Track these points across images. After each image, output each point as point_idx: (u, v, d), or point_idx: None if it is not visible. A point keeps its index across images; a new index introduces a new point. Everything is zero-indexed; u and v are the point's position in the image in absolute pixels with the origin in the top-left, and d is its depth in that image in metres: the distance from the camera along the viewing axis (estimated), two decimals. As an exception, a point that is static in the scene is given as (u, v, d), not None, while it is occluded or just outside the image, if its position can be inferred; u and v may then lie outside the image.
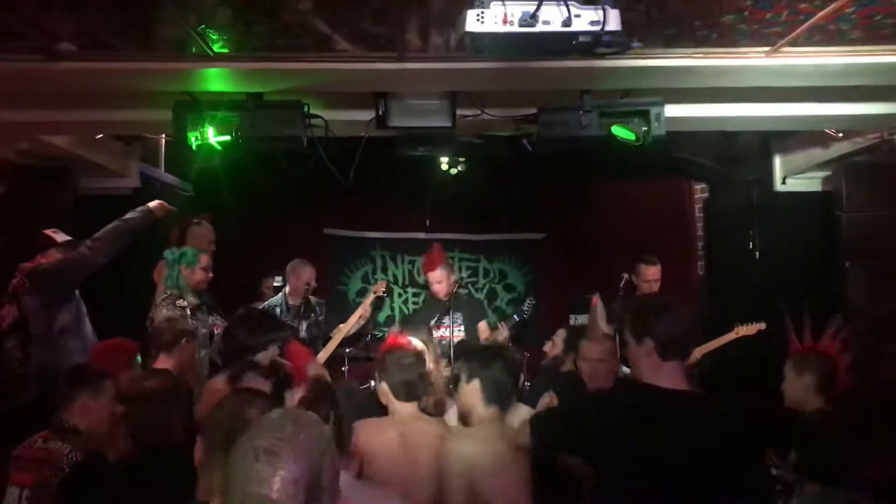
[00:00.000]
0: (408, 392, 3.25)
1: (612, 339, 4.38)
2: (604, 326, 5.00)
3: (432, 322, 6.39)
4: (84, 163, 5.28)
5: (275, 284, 6.59)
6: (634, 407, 2.57)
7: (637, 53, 3.30)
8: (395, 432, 3.14)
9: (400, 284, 8.42)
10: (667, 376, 2.61)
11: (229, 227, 6.87)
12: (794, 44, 3.30)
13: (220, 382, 3.35)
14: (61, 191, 5.15)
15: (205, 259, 5.18)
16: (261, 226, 7.83)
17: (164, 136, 6.13)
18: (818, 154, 5.67)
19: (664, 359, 2.61)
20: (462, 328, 6.13)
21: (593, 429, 2.58)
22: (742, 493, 2.49)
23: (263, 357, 3.68)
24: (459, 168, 7.19)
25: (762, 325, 5.73)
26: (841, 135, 5.10)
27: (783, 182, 6.24)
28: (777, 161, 6.27)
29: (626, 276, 6.18)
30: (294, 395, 3.02)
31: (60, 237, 4.74)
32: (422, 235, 8.14)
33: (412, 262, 8.37)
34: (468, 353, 3.34)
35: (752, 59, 3.42)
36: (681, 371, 2.65)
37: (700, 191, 7.87)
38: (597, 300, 5.34)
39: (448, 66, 3.43)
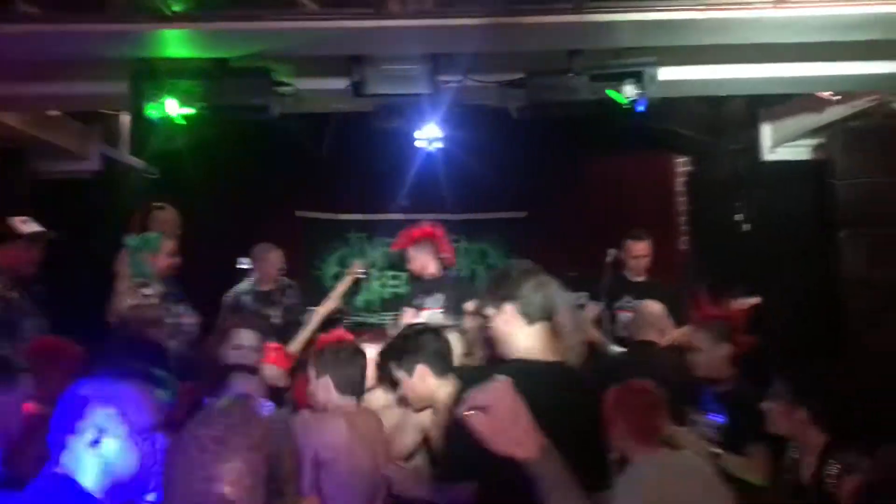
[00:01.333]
0: (353, 387, 3.10)
1: None
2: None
3: (415, 302, 6.16)
4: (40, 144, 4.95)
5: (242, 267, 6.25)
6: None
7: (632, 5, 3.05)
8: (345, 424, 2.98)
9: (378, 268, 8.15)
10: (535, 341, 2.52)
11: (197, 211, 6.58)
12: (801, -8, 3.08)
13: None
14: (15, 174, 4.81)
15: (169, 244, 4.91)
16: (231, 209, 7.50)
17: (127, 115, 5.81)
18: (810, 120, 5.47)
19: (530, 323, 2.52)
20: (442, 311, 5.88)
21: None
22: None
23: None
24: (437, 145, 6.92)
25: (756, 300, 5.53)
26: (839, 97, 4.89)
27: (772, 151, 6.05)
28: (765, 129, 6.08)
29: (612, 251, 5.99)
30: None
31: (28, 227, 4.36)
32: (400, 216, 7.84)
33: (389, 244, 8.09)
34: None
35: (758, 11, 3.19)
36: (547, 334, 2.56)
37: (682, 164, 7.69)
38: None
39: (428, 22, 3.16)
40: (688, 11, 3.16)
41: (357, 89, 3.72)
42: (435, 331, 2.93)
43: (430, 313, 5.96)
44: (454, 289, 6.05)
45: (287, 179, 7.46)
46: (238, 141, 5.94)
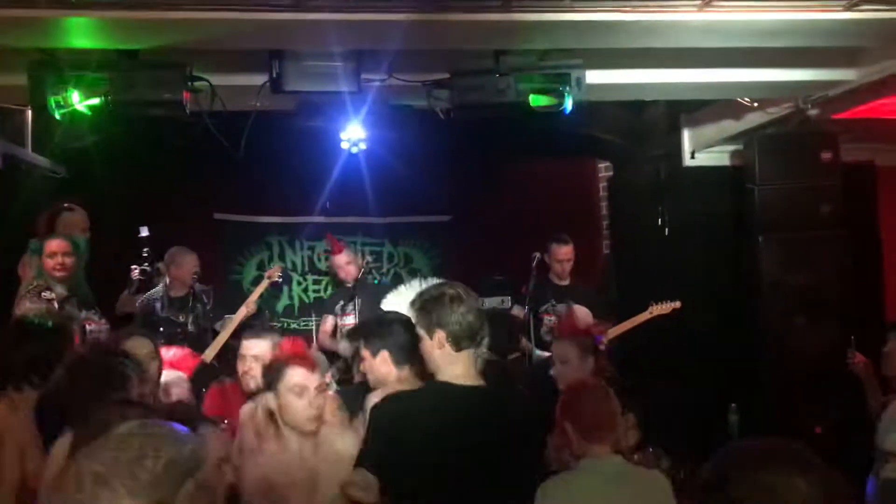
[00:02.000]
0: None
1: None
2: None
3: (337, 308, 6.06)
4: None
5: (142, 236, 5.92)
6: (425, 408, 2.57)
7: (558, 5, 3.00)
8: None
9: (299, 272, 7.96)
10: (461, 368, 2.60)
11: (108, 212, 6.28)
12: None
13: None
14: None
15: (55, 244, 4.61)
16: (144, 210, 7.19)
17: (28, 110, 5.47)
18: (729, 126, 5.57)
19: (458, 349, 2.59)
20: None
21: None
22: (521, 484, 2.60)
23: None
24: (361, 147, 6.78)
25: (677, 304, 5.60)
26: (756, 104, 4.98)
27: (692, 157, 6.13)
28: (685, 135, 6.16)
29: (537, 255, 5.98)
30: None
31: None
32: (321, 219, 7.70)
33: (311, 248, 7.94)
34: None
35: (684, 14, 3.18)
36: (473, 360, 2.65)
37: (604, 169, 7.76)
38: None
39: (350, 17, 3.04)
40: (615, 13, 3.13)
41: (276, 86, 3.57)
42: (408, 323, 2.84)
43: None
44: (374, 295, 5.97)
45: (205, 180, 7.20)
46: (152, 139, 5.66)
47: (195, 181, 7.22)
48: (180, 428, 1.22)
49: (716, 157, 6.07)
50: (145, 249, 5.76)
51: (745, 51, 3.82)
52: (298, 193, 7.54)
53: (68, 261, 4.53)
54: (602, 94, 4.29)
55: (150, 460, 1.13)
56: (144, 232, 5.81)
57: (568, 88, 3.66)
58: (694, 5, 3.15)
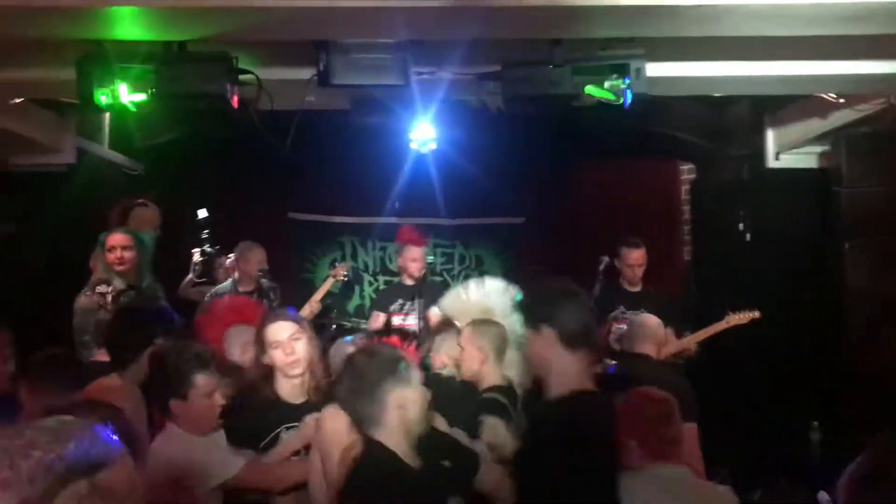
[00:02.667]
0: None
1: None
2: None
3: (392, 307, 5.92)
4: (4, 134, 4.75)
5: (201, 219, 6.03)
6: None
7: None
8: None
9: (371, 272, 7.97)
10: (576, 370, 2.48)
11: (182, 210, 6.39)
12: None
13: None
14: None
15: (115, 238, 4.69)
16: (220, 209, 7.31)
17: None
18: (815, 125, 5.21)
19: (570, 348, 2.48)
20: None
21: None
22: None
23: None
24: (430, 146, 6.69)
25: (755, 314, 5.27)
26: (843, 101, 4.62)
27: (776, 158, 5.79)
28: (770, 135, 5.82)
29: (605, 259, 5.76)
30: None
31: None
32: (394, 220, 7.66)
33: (384, 249, 7.93)
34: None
35: (747, -1, 2.93)
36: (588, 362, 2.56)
37: (687, 171, 7.46)
38: None
39: (398, 3, 2.92)
40: (668, -3, 2.91)
41: (323, 79, 3.50)
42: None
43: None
44: (439, 296, 5.85)
45: (278, 179, 7.27)
46: (228, 138, 5.72)
47: (271, 181, 7.29)
48: (101, 430, 1.13)
49: (802, 158, 5.72)
50: (205, 231, 5.82)
51: (826, 40, 3.50)
52: (369, 194, 7.53)
53: (128, 255, 4.60)
54: (669, 88, 4.06)
55: (37, 453, 1.06)
56: (203, 214, 5.88)
57: (627, 80, 3.46)
58: (759, -12, 2.90)
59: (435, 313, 5.54)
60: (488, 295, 4.03)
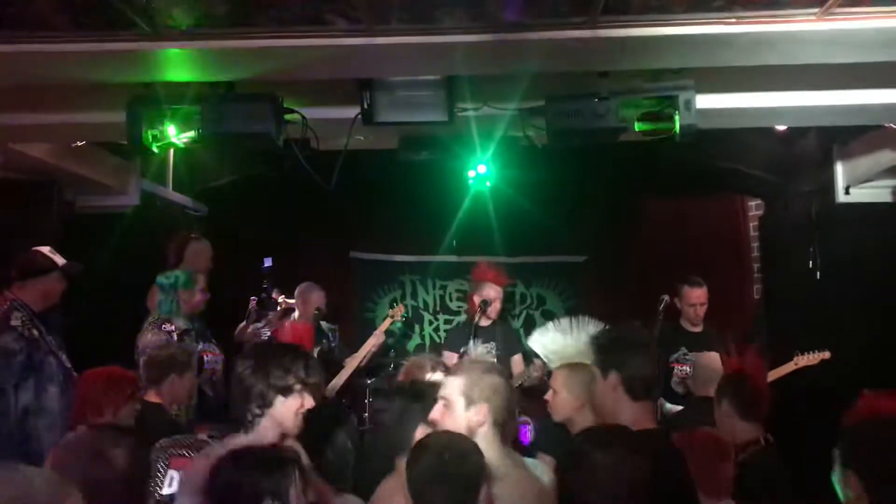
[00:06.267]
0: None
1: None
2: None
3: (462, 349, 5.82)
4: (73, 177, 4.92)
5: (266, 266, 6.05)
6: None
7: (652, 19, 2.73)
8: None
9: (431, 311, 7.89)
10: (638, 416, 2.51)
11: (243, 249, 6.49)
12: (850, 1, 2.69)
13: None
14: (43, 207, 4.77)
15: (201, 279, 4.79)
16: (283, 248, 7.41)
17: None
18: (886, 157, 4.98)
19: (633, 398, 2.54)
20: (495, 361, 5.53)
21: None
22: None
23: None
24: (487, 183, 6.65)
25: (826, 354, 5.02)
26: (914, 131, 4.42)
27: (846, 192, 5.55)
28: (839, 168, 5.60)
29: (665, 298, 5.56)
30: None
31: (59, 259, 4.28)
32: (453, 259, 7.64)
33: (443, 287, 7.86)
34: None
35: (800, 25, 2.81)
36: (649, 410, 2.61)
37: (755, 207, 7.22)
38: None
39: (439, 39, 2.90)
40: (717, 25, 2.81)
41: (367, 117, 3.51)
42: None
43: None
44: (503, 338, 5.75)
45: (339, 218, 7.31)
46: (291, 180, 5.80)
47: (333, 220, 7.34)
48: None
49: (873, 192, 5.48)
50: (265, 281, 5.86)
51: (887, 67, 3.35)
52: (428, 232, 7.50)
53: (207, 295, 4.73)
54: (723, 120, 3.92)
55: None
56: (268, 262, 5.92)
57: (676, 112, 3.36)
58: (811, 13, 2.78)
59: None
60: (585, 336, 3.83)
